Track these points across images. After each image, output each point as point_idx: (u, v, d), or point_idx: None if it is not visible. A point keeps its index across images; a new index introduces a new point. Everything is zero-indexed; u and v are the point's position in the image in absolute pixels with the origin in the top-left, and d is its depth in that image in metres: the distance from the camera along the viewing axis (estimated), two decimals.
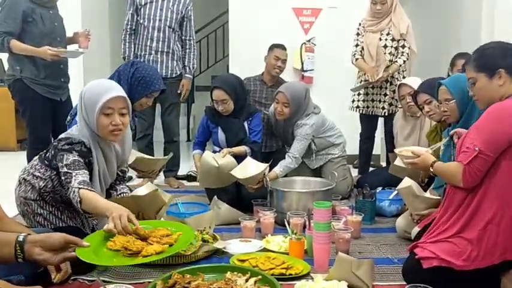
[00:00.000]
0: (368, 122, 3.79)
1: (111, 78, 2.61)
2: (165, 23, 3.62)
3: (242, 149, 3.11)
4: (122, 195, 2.22)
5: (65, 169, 1.89)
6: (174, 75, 3.72)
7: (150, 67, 2.73)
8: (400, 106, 3.58)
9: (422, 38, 5.53)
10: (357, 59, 3.68)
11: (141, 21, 3.63)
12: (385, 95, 3.65)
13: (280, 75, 3.79)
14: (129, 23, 3.68)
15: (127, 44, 3.69)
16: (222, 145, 3.18)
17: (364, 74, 3.65)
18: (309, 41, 4.53)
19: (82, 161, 1.93)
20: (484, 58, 1.79)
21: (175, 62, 3.71)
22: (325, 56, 4.51)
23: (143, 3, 3.62)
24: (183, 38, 3.78)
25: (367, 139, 3.83)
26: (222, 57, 7.77)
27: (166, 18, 3.63)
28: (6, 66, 4.84)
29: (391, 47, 3.59)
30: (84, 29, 3.38)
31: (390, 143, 3.37)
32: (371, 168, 3.98)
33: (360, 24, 3.72)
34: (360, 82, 3.71)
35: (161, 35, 3.63)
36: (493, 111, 1.71)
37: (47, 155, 2.06)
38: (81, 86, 2.25)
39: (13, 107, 4.96)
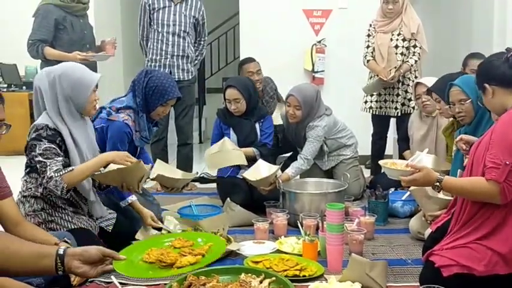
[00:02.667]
0: (380, 122, 3.78)
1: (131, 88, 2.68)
2: (179, 28, 3.66)
3: (250, 150, 3.12)
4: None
5: (39, 158, 2.02)
6: (189, 77, 3.77)
7: (163, 75, 2.69)
8: (413, 106, 3.58)
9: (434, 37, 5.50)
10: (368, 61, 3.68)
11: (155, 26, 3.67)
12: (398, 95, 3.64)
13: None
14: (145, 29, 3.73)
15: (146, 48, 3.78)
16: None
17: (376, 76, 3.64)
18: (319, 42, 4.53)
19: (53, 146, 2.05)
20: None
21: (189, 64, 3.76)
22: (336, 56, 4.51)
23: (156, 9, 3.65)
24: (197, 39, 3.83)
25: (379, 139, 3.83)
26: (233, 59, 7.79)
27: (180, 23, 3.67)
28: (22, 72, 4.95)
29: (402, 47, 3.58)
30: (111, 38, 3.53)
31: (404, 143, 3.36)
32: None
33: (370, 26, 3.71)
34: (371, 81, 3.69)
35: (175, 39, 3.67)
36: (509, 121, 1.68)
37: (27, 161, 2.12)
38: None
39: (28, 112, 5.05)
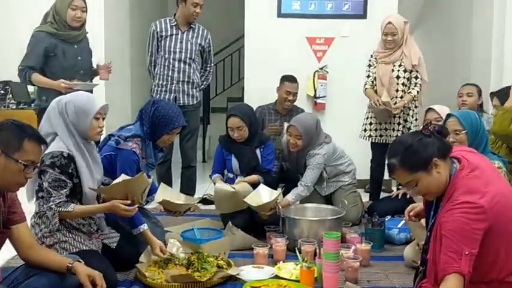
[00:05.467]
0: (379, 150, 3.85)
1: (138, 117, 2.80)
2: (185, 55, 3.80)
3: (256, 177, 3.21)
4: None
5: (46, 185, 2.15)
6: (194, 102, 3.90)
7: (169, 105, 2.80)
8: (404, 129, 3.69)
9: (433, 62, 5.63)
10: (366, 89, 3.79)
11: (162, 53, 3.81)
12: (398, 123, 3.72)
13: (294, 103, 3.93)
14: (153, 55, 3.87)
15: (154, 74, 3.90)
16: (236, 172, 3.30)
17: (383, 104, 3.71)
18: (321, 68, 4.65)
19: (63, 178, 2.16)
20: (412, 158, 1.74)
21: (195, 89, 3.89)
22: (337, 83, 4.63)
23: (164, 36, 3.80)
24: (203, 66, 3.96)
25: (377, 166, 3.90)
26: (237, 80, 7.93)
27: (186, 50, 3.81)
28: (31, 89, 5.05)
29: (404, 77, 3.68)
30: (106, 62, 3.55)
31: None
32: (382, 194, 4.05)
33: (372, 56, 3.82)
34: (372, 108, 3.77)
35: (181, 65, 3.81)
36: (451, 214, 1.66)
37: (38, 187, 2.21)
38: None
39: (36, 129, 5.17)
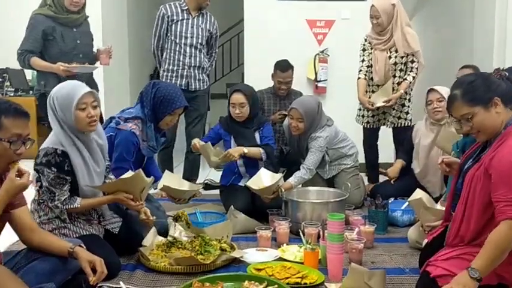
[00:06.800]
0: (371, 132, 3.81)
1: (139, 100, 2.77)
2: (196, 40, 3.76)
3: (257, 150, 3.15)
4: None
5: (47, 185, 2.13)
6: (205, 87, 3.90)
7: (170, 85, 2.81)
8: (410, 119, 3.65)
9: (435, 46, 5.57)
10: (359, 78, 3.69)
11: (172, 37, 3.75)
12: (393, 109, 3.68)
13: (293, 86, 3.90)
14: (161, 39, 3.80)
15: (161, 58, 3.85)
16: None
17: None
18: (322, 52, 4.61)
19: (61, 175, 2.13)
20: (475, 91, 1.78)
21: (204, 74, 3.88)
22: (338, 66, 4.59)
23: (175, 21, 3.73)
24: (209, 51, 3.93)
25: (370, 148, 3.85)
26: (237, 65, 7.88)
27: (198, 35, 3.77)
28: (29, 77, 5.02)
29: (401, 63, 3.61)
30: (106, 46, 3.51)
31: (405, 156, 3.42)
32: (382, 177, 4.02)
33: (366, 40, 3.71)
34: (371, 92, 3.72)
35: (193, 51, 3.77)
36: (503, 158, 1.68)
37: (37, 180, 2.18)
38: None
39: (35, 116, 5.13)
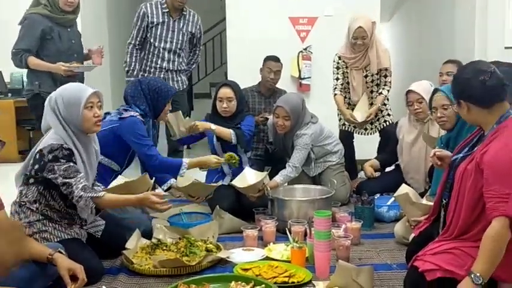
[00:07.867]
0: (348, 133, 3.80)
1: (128, 103, 2.78)
2: (176, 46, 3.69)
3: (227, 131, 3.12)
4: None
5: (61, 179, 2.05)
6: (183, 87, 3.85)
7: (155, 78, 2.95)
8: (390, 119, 3.65)
9: (417, 42, 5.62)
10: (335, 94, 3.65)
11: (151, 40, 3.65)
12: (371, 122, 3.68)
13: (277, 85, 3.87)
14: (138, 38, 3.66)
15: (133, 58, 3.69)
16: (217, 150, 3.22)
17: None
18: (305, 49, 4.59)
19: (72, 164, 2.08)
20: (454, 89, 1.87)
21: (182, 75, 3.83)
22: (322, 63, 4.55)
23: (155, 23, 3.63)
24: (192, 49, 3.87)
25: (346, 146, 3.72)
26: (220, 64, 7.84)
27: (177, 40, 3.68)
28: (7, 79, 4.92)
29: (377, 79, 3.60)
30: (97, 46, 3.51)
31: (389, 156, 3.41)
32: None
33: (340, 59, 3.64)
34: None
35: (171, 56, 3.69)
36: (496, 155, 1.68)
37: (31, 172, 2.13)
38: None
39: (14, 119, 5.03)
